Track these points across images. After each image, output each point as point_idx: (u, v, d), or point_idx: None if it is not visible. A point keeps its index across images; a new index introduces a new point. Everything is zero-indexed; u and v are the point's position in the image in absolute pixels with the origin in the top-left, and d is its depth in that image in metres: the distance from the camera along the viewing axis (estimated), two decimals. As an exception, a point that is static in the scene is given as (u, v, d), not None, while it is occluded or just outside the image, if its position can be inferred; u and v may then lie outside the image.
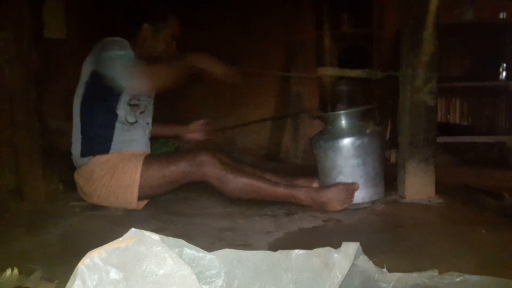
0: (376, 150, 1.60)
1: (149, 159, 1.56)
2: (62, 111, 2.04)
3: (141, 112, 1.69)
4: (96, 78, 1.55)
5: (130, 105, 1.63)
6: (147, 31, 1.65)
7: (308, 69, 3.00)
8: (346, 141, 1.56)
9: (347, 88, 3.23)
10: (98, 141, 1.60)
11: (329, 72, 1.87)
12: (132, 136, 1.66)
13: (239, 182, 1.53)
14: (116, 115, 1.60)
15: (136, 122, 1.67)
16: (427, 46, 1.63)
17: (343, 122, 1.61)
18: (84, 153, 1.60)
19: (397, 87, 1.74)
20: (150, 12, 1.66)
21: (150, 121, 1.77)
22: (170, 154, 1.67)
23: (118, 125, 1.61)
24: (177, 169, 1.52)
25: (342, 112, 1.61)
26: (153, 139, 2.08)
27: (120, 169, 1.55)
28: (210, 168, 1.51)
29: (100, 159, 1.58)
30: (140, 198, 1.58)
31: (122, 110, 1.62)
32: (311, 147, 1.71)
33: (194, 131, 1.92)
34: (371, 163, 1.57)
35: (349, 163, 1.56)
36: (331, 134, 1.60)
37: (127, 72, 1.51)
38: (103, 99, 1.59)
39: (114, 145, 1.61)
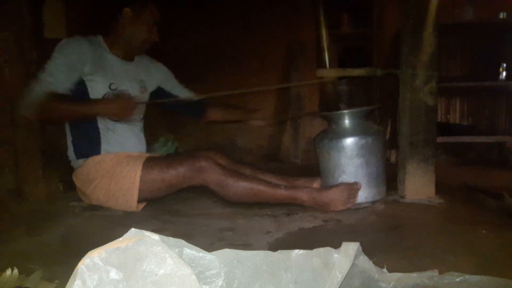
0: (379, 149, 1.60)
1: (148, 163, 1.55)
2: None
3: None
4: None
5: None
6: (127, 15, 1.62)
7: (308, 69, 3.00)
8: (350, 141, 1.56)
9: (347, 88, 3.23)
10: (88, 144, 1.61)
11: (329, 73, 1.86)
12: (120, 134, 1.65)
13: (239, 187, 1.52)
14: (95, 118, 1.60)
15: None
16: (427, 46, 1.63)
17: (347, 122, 1.61)
18: (78, 156, 1.62)
19: (397, 87, 1.74)
20: None
21: (141, 115, 1.76)
22: (169, 158, 1.66)
23: (101, 126, 1.61)
24: (177, 174, 1.52)
25: (347, 111, 1.61)
26: (153, 138, 2.08)
27: (119, 173, 1.54)
28: (209, 174, 1.51)
29: (94, 159, 1.59)
30: (139, 201, 1.58)
31: None
32: (314, 146, 1.71)
33: (257, 118, 1.86)
34: (374, 162, 1.58)
35: (353, 162, 1.56)
36: (335, 134, 1.60)
37: (35, 92, 1.47)
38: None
39: (103, 146, 1.61)
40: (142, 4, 1.63)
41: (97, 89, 1.59)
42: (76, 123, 1.62)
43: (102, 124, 1.62)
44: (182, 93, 1.89)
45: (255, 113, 1.86)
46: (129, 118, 1.57)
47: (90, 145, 1.60)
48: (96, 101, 1.57)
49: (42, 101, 1.45)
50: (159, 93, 1.84)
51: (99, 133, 1.61)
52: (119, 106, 1.50)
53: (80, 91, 1.57)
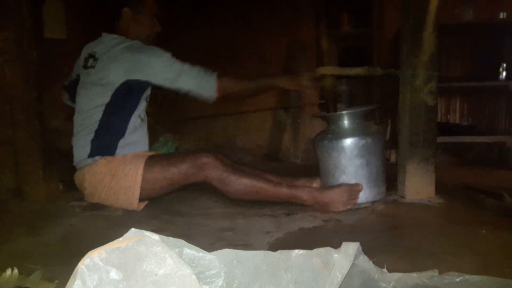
0: (379, 149, 1.60)
1: (150, 161, 1.55)
2: (62, 111, 2.04)
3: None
4: (129, 87, 1.55)
5: (147, 101, 1.67)
6: (127, 15, 1.64)
7: (308, 69, 3.00)
8: (350, 141, 1.56)
9: (347, 88, 3.23)
10: (107, 143, 1.59)
11: (328, 71, 1.86)
12: (140, 133, 1.67)
13: (241, 183, 1.53)
14: (131, 115, 1.61)
15: (144, 118, 1.69)
16: (427, 46, 1.63)
17: (347, 122, 1.61)
18: (92, 154, 1.58)
19: (397, 87, 1.74)
20: None
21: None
22: (171, 156, 1.66)
23: (130, 126, 1.62)
24: (179, 171, 1.52)
25: (346, 112, 1.61)
26: (153, 138, 2.08)
27: (121, 171, 1.54)
28: (211, 170, 1.51)
29: (105, 160, 1.57)
30: (141, 200, 1.58)
31: (140, 107, 1.63)
32: (313, 147, 1.71)
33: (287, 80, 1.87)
34: (374, 163, 1.57)
35: (353, 163, 1.56)
36: (335, 134, 1.60)
37: (207, 83, 1.60)
38: (130, 105, 1.60)
39: (121, 142, 1.60)
40: (140, 1, 1.65)
41: (146, 92, 1.65)
42: (108, 121, 1.59)
43: (132, 124, 1.62)
44: None
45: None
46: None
47: (109, 144, 1.58)
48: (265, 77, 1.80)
49: (219, 81, 1.62)
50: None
51: (125, 132, 1.61)
52: (290, 80, 1.77)
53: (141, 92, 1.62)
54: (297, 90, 1.85)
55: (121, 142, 1.60)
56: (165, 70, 1.56)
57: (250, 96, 1.75)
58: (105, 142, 1.59)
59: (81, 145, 1.59)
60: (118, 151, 1.60)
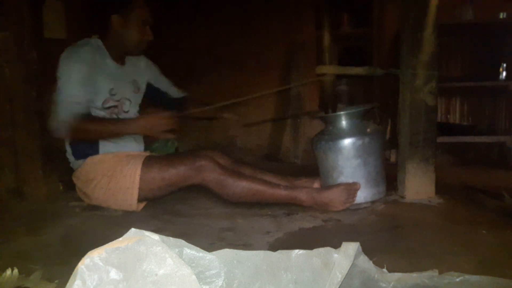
0: (377, 149, 1.59)
1: (148, 162, 1.56)
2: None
3: (126, 112, 1.69)
4: None
5: (105, 108, 1.61)
6: (116, 22, 1.60)
7: (308, 69, 3.00)
8: (347, 142, 1.56)
9: (347, 88, 3.23)
10: (86, 145, 1.60)
11: (328, 70, 1.86)
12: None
13: (238, 186, 1.53)
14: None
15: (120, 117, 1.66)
16: (427, 46, 1.63)
17: (344, 123, 1.61)
18: (77, 157, 1.62)
19: (397, 87, 1.74)
20: (114, 2, 1.61)
21: (136, 114, 1.75)
22: (169, 157, 1.66)
23: None
24: (177, 173, 1.52)
25: (342, 112, 1.61)
26: (153, 138, 2.08)
27: (119, 172, 1.54)
28: (209, 173, 1.51)
29: (93, 159, 1.59)
30: (139, 201, 1.58)
31: (99, 114, 1.61)
32: (312, 148, 1.71)
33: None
34: (372, 163, 1.57)
35: (350, 163, 1.56)
36: (332, 135, 1.60)
37: (62, 116, 1.48)
38: None
39: (101, 147, 1.61)
40: (128, 8, 1.60)
41: (98, 93, 1.58)
42: None
43: None
44: (170, 90, 1.89)
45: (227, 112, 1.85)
46: (162, 135, 1.54)
47: (88, 145, 1.60)
48: (126, 121, 1.61)
49: (72, 125, 1.48)
50: (148, 90, 1.83)
51: None
52: (150, 124, 1.51)
53: None
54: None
55: (101, 144, 1.60)
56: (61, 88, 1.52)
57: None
58: (83, 145, 1.60)
59: (67, 149, 1.65)
60: (101, 149, 1.60)
